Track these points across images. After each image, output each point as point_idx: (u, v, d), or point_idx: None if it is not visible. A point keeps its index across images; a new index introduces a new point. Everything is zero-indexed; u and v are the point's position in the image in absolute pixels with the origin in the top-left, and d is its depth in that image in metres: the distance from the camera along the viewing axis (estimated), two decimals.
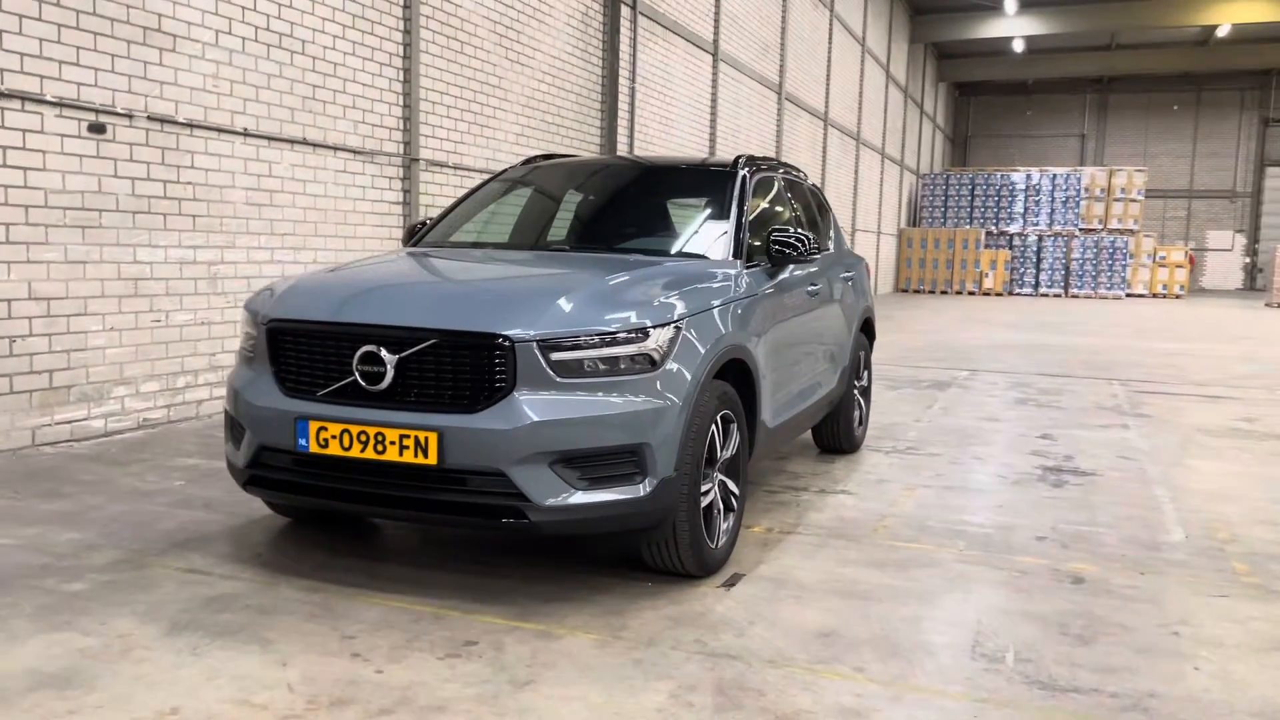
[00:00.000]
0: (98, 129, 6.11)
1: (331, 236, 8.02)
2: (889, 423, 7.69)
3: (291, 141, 7.55)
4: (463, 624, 3.49)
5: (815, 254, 4.87)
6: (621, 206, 5.35)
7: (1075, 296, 30.46)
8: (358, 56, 8.15)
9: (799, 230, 4.88)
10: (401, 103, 8.70)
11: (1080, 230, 31.28)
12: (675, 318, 3.76)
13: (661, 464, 3.62)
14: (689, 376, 3.74)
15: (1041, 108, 41.68)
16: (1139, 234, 31.03)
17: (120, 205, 6.29)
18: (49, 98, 5.82)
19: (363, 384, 3.62)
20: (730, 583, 3.97)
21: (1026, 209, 31.84)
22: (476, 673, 3.09)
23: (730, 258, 4.63)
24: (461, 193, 9.56)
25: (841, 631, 3.51)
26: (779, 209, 5.52)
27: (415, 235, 5.29)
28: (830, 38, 22.08)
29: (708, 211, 5.03)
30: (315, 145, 7.77)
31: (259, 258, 7.37)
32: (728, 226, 4.77)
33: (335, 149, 7.97)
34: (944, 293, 30.72)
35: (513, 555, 4.25)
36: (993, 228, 31.98)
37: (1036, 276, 31.42)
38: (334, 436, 3.62)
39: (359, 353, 3.62)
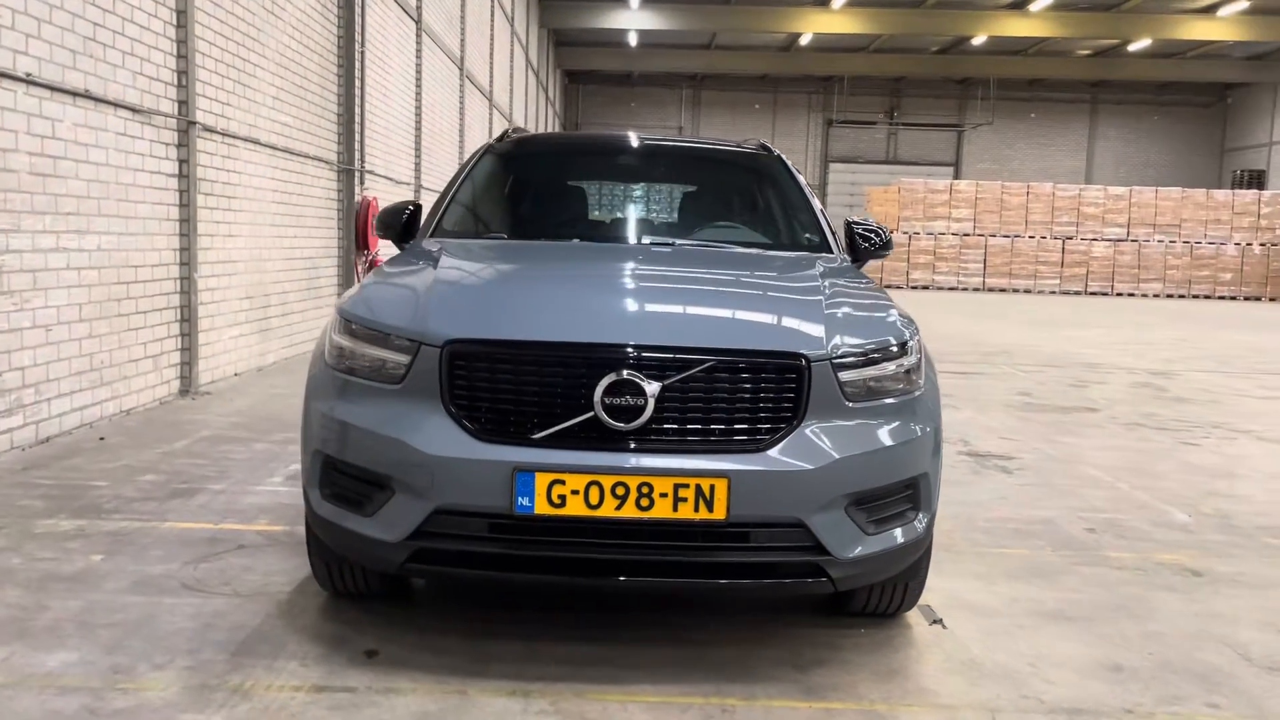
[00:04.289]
0: None
1: (114, 216, 6.31)
2: None
3: (74, 94, 5.80)
4: (763, 715, 2.80)
5: (890, 246, 4.53)
6: (689, 195, 4.66)
7: None
8: None
9: (871, 221, 4.53)
10: (177, 51, 7.05)
11: None
12: (916, 327, 3.29)
13: (934, 496, 3.15)
14: (937, 393, 3.29)
15: (644, 100, 43.79)
16: None
17: None
18: None
19: (608, 421, 2.77)
20: (936, 619, 3.57)
21: None
22: None
23: (836, 251, 4.19)
24: (232, 164, 8.01)
25: (1123, 663, 3.26)
26: None
27: (423, 225, 4.10)
28: (492, 16, 21.48)
29: (784, 200, 4.50)
30: (97, 100, 6.04)
31: (45, 244, 5.59)
32: (817, 218, 4.30)
33: (115, 105, 6.26)
34: None
35: (655, 610, 3.51)
36: None
37: None
38: (575, 491, 2.73)
39: (604, 382, 2.76)
